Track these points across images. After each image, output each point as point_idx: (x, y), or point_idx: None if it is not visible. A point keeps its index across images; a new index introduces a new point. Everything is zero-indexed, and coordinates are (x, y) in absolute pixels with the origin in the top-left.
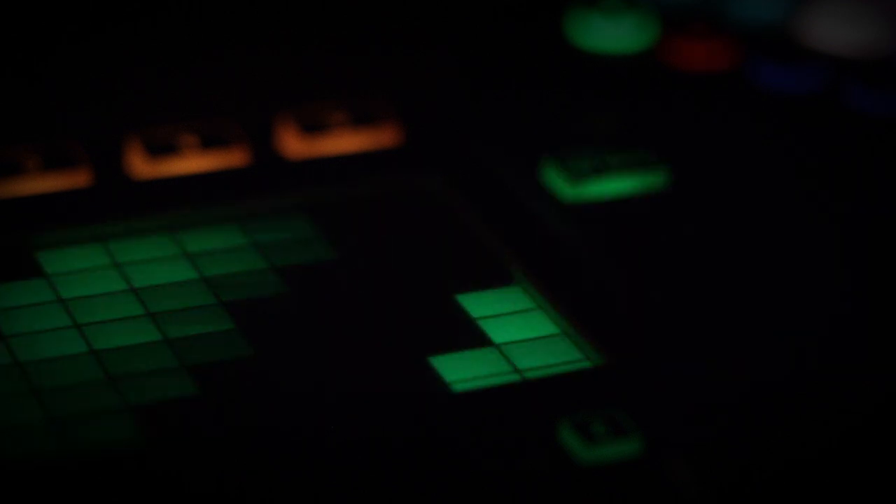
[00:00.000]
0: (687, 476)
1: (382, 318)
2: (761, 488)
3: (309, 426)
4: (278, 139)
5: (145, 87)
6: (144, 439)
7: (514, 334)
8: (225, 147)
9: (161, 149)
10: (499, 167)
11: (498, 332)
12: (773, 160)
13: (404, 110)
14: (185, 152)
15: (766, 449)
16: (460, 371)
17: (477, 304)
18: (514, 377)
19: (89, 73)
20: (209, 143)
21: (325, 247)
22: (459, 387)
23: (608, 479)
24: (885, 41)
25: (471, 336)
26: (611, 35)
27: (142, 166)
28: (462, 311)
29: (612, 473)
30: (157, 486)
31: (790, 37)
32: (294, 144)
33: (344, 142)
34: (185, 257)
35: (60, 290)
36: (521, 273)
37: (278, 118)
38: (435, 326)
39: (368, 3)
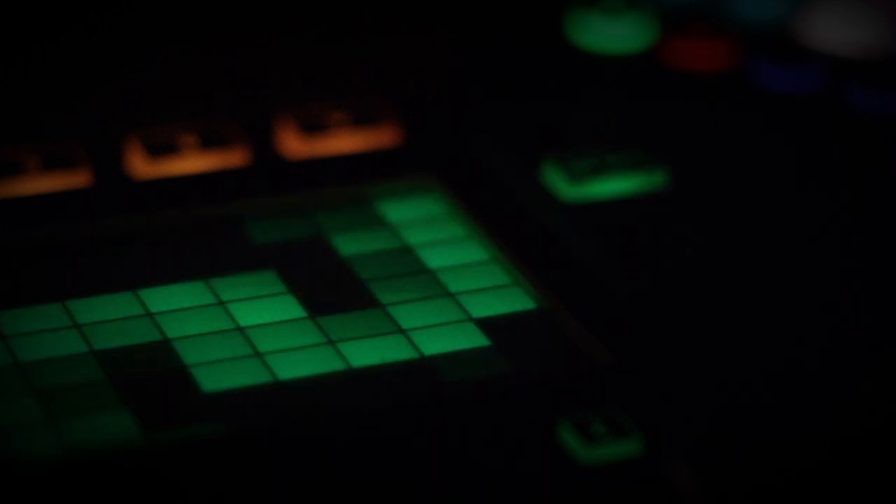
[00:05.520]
0: (687, 476)
1: (381, 316)
2: (761, 488)
3: (308, 426)
4: (278, 139)
5: (145, 87)
6: (144, 439)
7: (514, 334)
8: (225, 147)
9: (161, 149)
10: (499, 167)
11: (498, 332)
12: (774, 160)
13: (404, 110)
14: (185, 152)
15: (767, 449)
16: (460, 370)
17: (476, 305)
18: (514, 377)
19: (89, 73)
20: (209, 143)
21: (325, 247)
22: (459, 387)
23: (608, 479)
24: (885, 41)
25: (470, 335)
26: (611, 35)
27: (142, 166)
28: (461, 309)
29: (612, 473)
30: (158, 486)
31: (790, 37)
32: (294, 144)
33: (344, 142)
34: (185, 257)
35: (61, 291)
36: (520, 273)
37: (278, 118)
38: (433, 325)
39: (369, 4)
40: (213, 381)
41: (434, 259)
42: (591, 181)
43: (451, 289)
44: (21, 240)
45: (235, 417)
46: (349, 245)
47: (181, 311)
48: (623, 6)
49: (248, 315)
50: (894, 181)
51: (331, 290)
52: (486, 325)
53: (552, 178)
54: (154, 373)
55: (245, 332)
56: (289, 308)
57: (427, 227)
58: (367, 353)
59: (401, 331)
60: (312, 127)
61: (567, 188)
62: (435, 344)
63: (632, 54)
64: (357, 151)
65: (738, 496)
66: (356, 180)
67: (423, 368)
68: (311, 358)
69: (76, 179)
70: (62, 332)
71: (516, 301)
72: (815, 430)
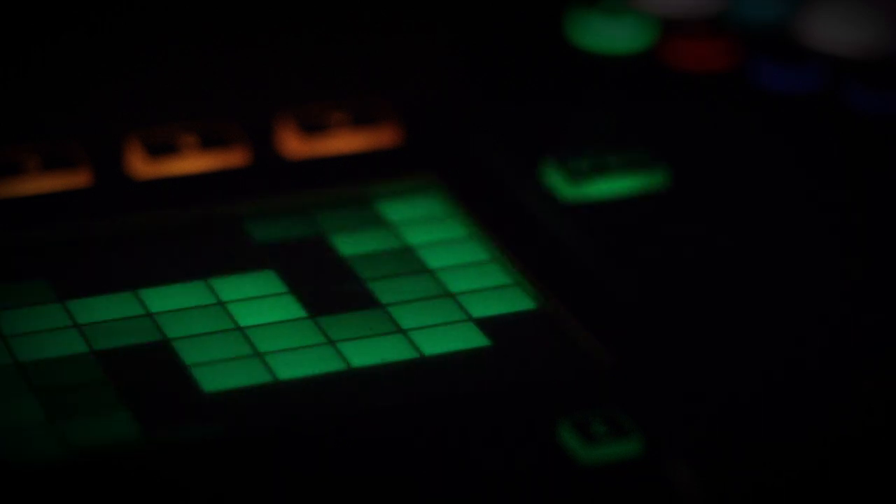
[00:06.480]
0: (687, 476)
1: (381, 316)
2: (761, 488)
3: (308, 426)
4: (278, 139)
5: (145, 87)
6: (145, 440)
7: (514, 334)
8: (225, 147)
9: (161, 149)
10: (499, 167)
11: (498, 332)
12: (774, 160)
13: (404, 110)
14: (185, 152)
15: (767, 449)
16: (461, 370)
17: (477, 304)
18: (514, 377)
19: (89, 73)
20: (209, 143)
21: (326, 246)
22: (459, 387)
23: (608, 479)
24: (885, 41)
25: (470, 335)
26: (611, 35)
27: (142, 166)
28: (462, 309)
29: (612, 473)
30: (158, 486)
31: (790, 37)
32: (294, 144)
33: (344, 142)
34: (185, 257)
35: (61, 291)
36: (520, 273)
37: (278, 118)
38: (435, 326)
39: (369, 4)
40: (213, 381)
41: (434, 259)
42: (591, 181)
43: (451, 289)
44: (22, 240)
45: (235, 417)
46: (349, 245)
47: (182, 312)
48: (623, 6)
49: (248, 315)
50: (894, 181)
51: (331, 290)
52: (486, 325)
53: (552, 178)
54: (154, 372)
55: (245, 331)
56: (289, 308)
57: (427, 226)
58: (367, 352)
59: (401, 331)
60: (312, 127)
61: (567, 188)
62: (435, 344)
63: (632, 54)
64: (357, 151)
65: (738, 496)
66: (356, 180)
67: (423, 368)
68: (311, 358)
69: (76, 179)
70: (63, 331)
71: (516, 301)
72: (815, 430)
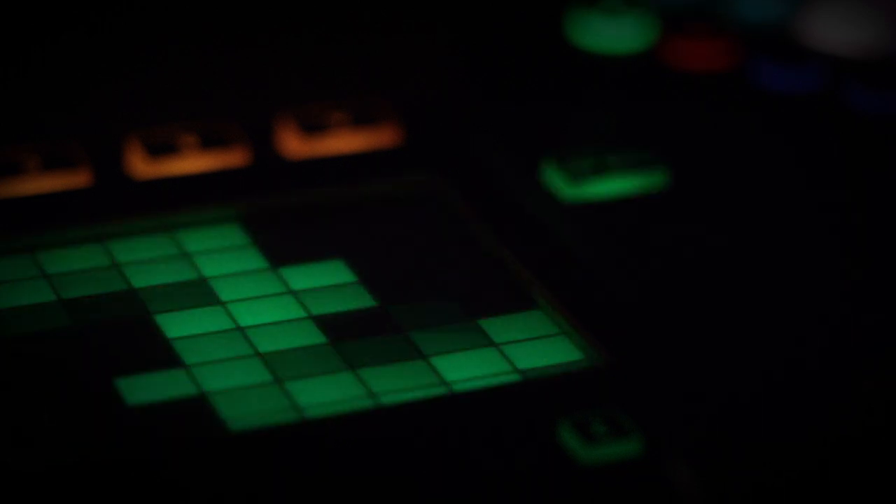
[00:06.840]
0: (687, 476)
1: (383, 317)
2: (761, 488)
3: (307, 425)
4: (278, 139)
5: (145, 87)
6: (144, 440)
7: (514, 334)
8: (225, 147)
9: (161, 149)
10: (499, 167)
11: (498, 332)
12: (774, 160)
13: (404, 110)
14: (185, 152)
15: (767, 449)
16: (461, 371)
17: (476, 305)
18: (515, 377)
19: (89, 73)
20: (209, 143)
21: (325, 247)
22: (459, 387)
23: (608, 479)
24: (885, 41)
25: (471, 336)
26: (611, 35)
27: (142, 166)
28: (463, 309)
29: (612, 473)
30: (159, 486)
31: (790, 37)
32: (294, 144)
33: (344, 142)
34: (185, 257)
35: (60, 291)
36: (520, 273)
37: (278, 118)
38: (436, 327)
39: (369, 4)
40: (213, 381)
41: (434, 259)
42: (591, 181)
43: (450, 289)
44: (22, 240)
45: (237, 418)
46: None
47: (181, 312)
48: (623, 6)
49: (247, 315)
50: (894, 181)
51: (332, 293)
52: (487, 325)
53: (552, 178)
54: (154, 372)
55: (245, 331)
56: (289, 308)
57: (426, 226)
58: (367, 353)
59: (401, 331)
60: (312, 127)
61: (567, 188)
62: (436, 345)
63: (632, 54)
64: (357, 151)
65: (738, 496)
66: (356, 180)
67: (422, 368)
68: (309, 358)
69: (76, 179)
70: (63, 331)
71: (516, 301)
72: (815, 430)
